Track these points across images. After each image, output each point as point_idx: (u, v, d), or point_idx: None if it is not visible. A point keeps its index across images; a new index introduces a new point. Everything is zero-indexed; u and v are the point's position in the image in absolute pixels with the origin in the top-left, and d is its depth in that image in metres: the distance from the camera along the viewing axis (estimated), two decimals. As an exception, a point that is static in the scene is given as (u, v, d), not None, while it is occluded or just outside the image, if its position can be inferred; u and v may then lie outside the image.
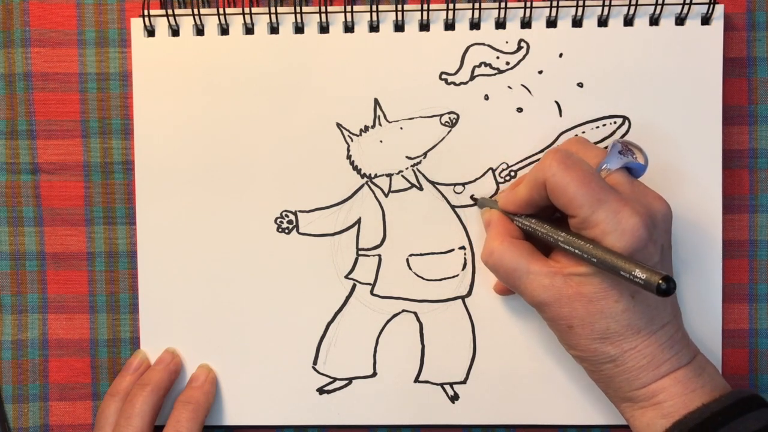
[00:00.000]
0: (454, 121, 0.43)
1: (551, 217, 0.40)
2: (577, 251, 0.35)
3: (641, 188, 0.37)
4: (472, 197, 0.43)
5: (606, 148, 0.39)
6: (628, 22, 0.42)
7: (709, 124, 0.42)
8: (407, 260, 0.43)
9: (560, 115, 0.42)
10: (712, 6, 0.41)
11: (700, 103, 0.42)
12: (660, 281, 0.31)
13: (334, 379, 0.44)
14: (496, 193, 0.43)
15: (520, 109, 0.43)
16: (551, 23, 0.42)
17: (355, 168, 0.43)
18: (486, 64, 0.42)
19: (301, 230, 0.43)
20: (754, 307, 0.44)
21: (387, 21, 0.42)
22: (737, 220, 0.44)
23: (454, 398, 0.44)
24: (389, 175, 0.43)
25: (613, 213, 0.34)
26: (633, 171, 0.38)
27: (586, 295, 0.35)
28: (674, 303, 0.38)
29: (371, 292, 0.43)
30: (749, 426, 0.34)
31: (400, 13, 0.42)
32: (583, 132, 0.42)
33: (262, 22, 0.43)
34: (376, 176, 0.43)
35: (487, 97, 0.43)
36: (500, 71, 0.42)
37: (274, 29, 0.43)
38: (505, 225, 0.40)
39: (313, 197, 0.43)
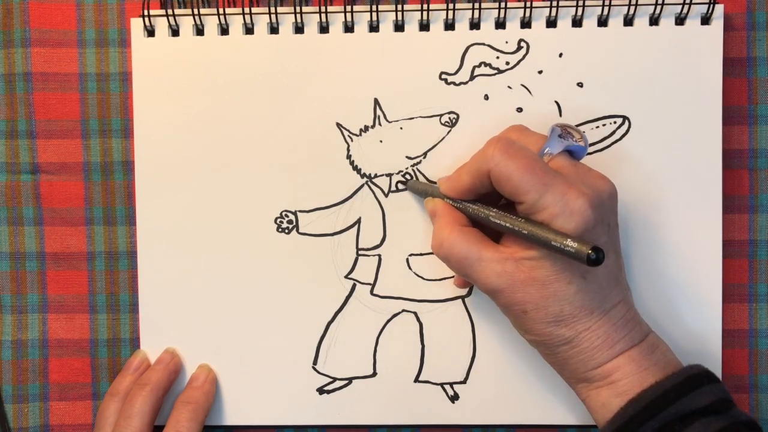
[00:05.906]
0: (454, 121, 0.43)
1: (498, 204, 0.39)
2: (507, 225, 0.35)
3: (584, 169, 0.37)
4: (399, 181, 0.43)
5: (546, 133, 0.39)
6: (628, 22, 0.42)
7: (709, 124, 0.42)
8: (407, 260, 0.43)
9: (560, 115, 0.42)
10: (712, 6, 0.41)
11: (700, 103, 0.42)
12: (590, 251, 0.31)
13: (334, 379, 0.44)
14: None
15: (520, 109, 0.43)
16: (551, 23, 0.42)
17: (355, 168, 0.43)
18: (486, 64, 0.42)
19: (301, 230, 0.43)
20: (754, 307, 0.44)
21: (387, 21, 0.42)
22: (737, 220, 0.44)
23: (454, 398, 0.44)
24: (389, 175, 0.43)
25: (560, 195, 0.34)
26: (574, 153, 0.37)
27: (538, 279, 0.35)
28: (624, 282, 0.38)
29: (371, 292, 0.43)
30: (700, 401, 0.35)
31: (400, 13, 0.42)
32: (584, 132, 0.42)
33: (262, 22, 0.43)
34: (376, 176, 0.43)
35: (487, 97, 0.43)
36: (500, 71, 0.42)
37: (274, 29, 0.43)
38: (452, 213, 0.39)
39: (313, 197, 0.43)
